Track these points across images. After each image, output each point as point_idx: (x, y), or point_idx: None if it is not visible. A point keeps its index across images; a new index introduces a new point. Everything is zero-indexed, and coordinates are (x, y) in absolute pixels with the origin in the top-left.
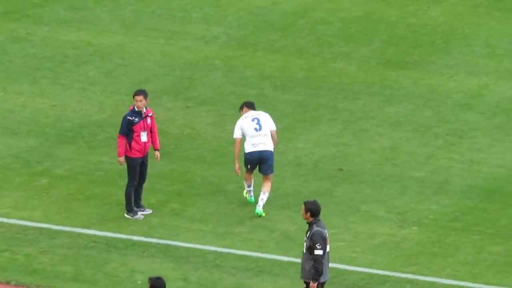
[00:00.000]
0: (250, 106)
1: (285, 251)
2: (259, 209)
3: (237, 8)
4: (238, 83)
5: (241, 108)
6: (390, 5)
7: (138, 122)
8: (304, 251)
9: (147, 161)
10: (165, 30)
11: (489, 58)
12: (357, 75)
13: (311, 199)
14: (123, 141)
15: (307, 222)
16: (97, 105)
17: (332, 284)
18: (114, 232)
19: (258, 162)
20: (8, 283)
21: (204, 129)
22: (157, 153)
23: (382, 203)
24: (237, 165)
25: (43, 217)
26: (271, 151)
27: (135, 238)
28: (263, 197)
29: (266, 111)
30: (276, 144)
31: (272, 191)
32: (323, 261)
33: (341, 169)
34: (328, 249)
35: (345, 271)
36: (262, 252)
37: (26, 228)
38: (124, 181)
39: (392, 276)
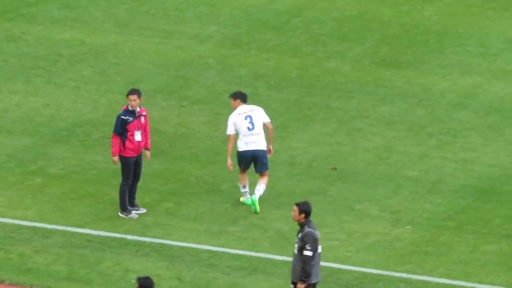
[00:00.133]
0: (244, 99)
1: (279, 250)
2: (254, 197)
3: (231, 7)
4: (232, 82)
5: (234, 98)
6: (384, 4)
7: (132, 121)
8: (296, 252)
9: (141, 160)
10: (159, 29)
11: (482, 57)
12: (351, 74)
13: (302, 201)
14: (117, 140)
15: (299, 224)
16: (91, 104)
17: (326, 283)
18: (108, 231)
19: (251, 161)
20: (1, 282)
21: (198, 128)
22: (147, 152)
23: (376, 202)
24: (229, 161)
25: (37, 216)
26: (264, 150)
27: (129, 237)
28: (259, 188)
29: None
30: (273, 135)
31: (266, 190)
32: (312, 262)
33: (335, 168)
34: (319, 250)
35: (339, 270)
36: (256, 251)
37: (20, 227)
38: (118, 180)
39: (386, 275)
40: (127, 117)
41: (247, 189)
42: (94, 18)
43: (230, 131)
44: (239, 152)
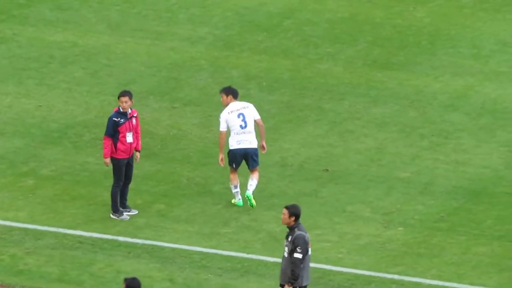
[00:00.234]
0: (235, 95)
1: (271, 252)
2: (248, 193)
3: (223, 9)
4: (224, 83)
5: (226, 94)
6: (376, 6)
7: (123, 123)
8: (286, 256)
9: (132, 161)
10: (151, 31)
11: (474, 59)
12: (343, 76)
13: (292, 204)
14: (109, 142)
15: (288, 227)
16: (83, 105)
17: (317, 285)
18: (100, 232)
19: (243, 159)
20: None
21: (190, 129)
22: (137, 154)
23: (368, 203)
24: (221, 156)
25: (29, 218)
26: (256, 148)
27: (121, 238)
28: (252, 183)
29: None
30: (264, 131)
31: (258, 191)
32: (302, 265)
33: (327, 170)
34: (309, 252)
35: (331, 271)
36: (248, 253)
37: (12, 228)
38: (110, 181)
39: (378, 277)
40: (119, 119)
41: (238, 189)
42: (86, 20)
43: (223, 127)
44: (231, 150)
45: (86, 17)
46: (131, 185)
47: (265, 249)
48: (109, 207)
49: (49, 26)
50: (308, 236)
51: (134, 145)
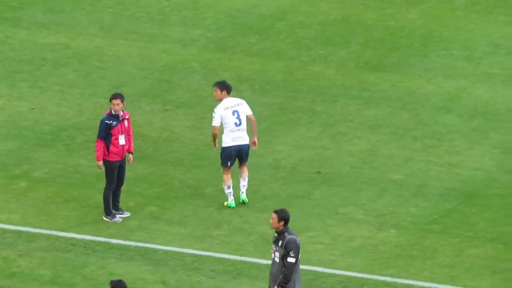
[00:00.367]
0: (230, 91)
1: (263, 254)
2: (243, 196)
3: (215, 11)
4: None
5: (220, 89)
6: (368, 8)
7: (116, 125)
8: (278, 261)
9: (125, 164)
10: (143, 33)
11: (466, 61)
12: (335, 78)
13: (280, 208)
14: (101, 145)
15: (277, 231)
16: (75, 108)
17: (310, 287)
18: (93, 235)
19: (237, 156)
20: None
21: (183, 132)
22: (130, 156)
23: (360, 206)
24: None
25: (21, 220)
26: (249, 144)
27: (114, 241)
28: (244, 183)
29: None
30: (256, 127)
31: (250, 194)
32: (294, 268)
33: (319, 172)
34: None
35: (323, 273)
36: (240, 255)
37: (4, 231)
38: (102, 184)
39: (370, 279)
40: (111, 121)
41: (231, 189)
42: (79, 22)
43: (217, 122)
44: (225, 147)
45: (79, 19)
46: (123, 188)
47: (258, 251)
48: (102, 210)
49: (42, 29)
50: (299, 239)
51: (127, 147)
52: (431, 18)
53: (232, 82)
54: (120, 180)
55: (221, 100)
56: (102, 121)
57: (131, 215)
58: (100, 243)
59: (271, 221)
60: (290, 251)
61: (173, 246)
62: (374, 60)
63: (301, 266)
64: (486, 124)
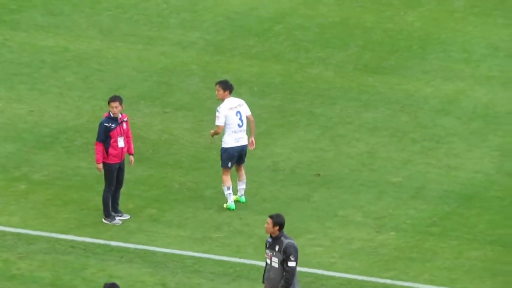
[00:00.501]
0: (231, 91)
1: (263, 256)
2: (243, 198)
3: (214, 14)
4: (215, 88)
5: (223, 88)
6: (367, 10)
7: (114, 128)
8: (276, 266)
9: (124, 166)
10: (142, 36)
11: (465, 63)
12: (334, 80)
13: (276, 213)
14: (100, 148)
15: (272, 236)
16: (74, 110)
17: None
18: (92, 237)
19: (238, 156)
20: None
21: (182, 134)
22: (131, 157)
23: (360, 208)
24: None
25: (21, 223)
26: (247, 144)
27: (113, 243)
28: (243, 186)
29: None
30: (254, 127)
31: (249, 196)
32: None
33: (318, 175)
34: None
35: (323, 276)
36: (240, 257)
37: (4, 233)
38: (101, 186)
39: (370, 281)
40: (110, 124)
41: (230, 190)
42: (78, 25)
43: (222, 122)
44: (228, 148)
45: (78, 22)
46: (123, 190)
47: (257, 253)
48: (101, 212)
49: (41, 31)
50: (296, 243)
51: (126, 149)
52: (429, 20)
53: None
54: (119, 182)
55: (222, 99)
56: (101, 124)
57: (130, 217)
58: (99, 245)
59: (266, 225)
60: (290, 255)
61: (173, 249)
62: (373, 63)
63: (300, 269)
64: (485, 127)
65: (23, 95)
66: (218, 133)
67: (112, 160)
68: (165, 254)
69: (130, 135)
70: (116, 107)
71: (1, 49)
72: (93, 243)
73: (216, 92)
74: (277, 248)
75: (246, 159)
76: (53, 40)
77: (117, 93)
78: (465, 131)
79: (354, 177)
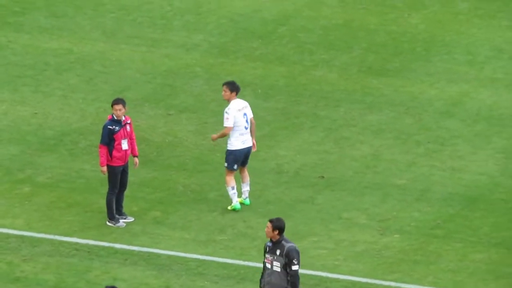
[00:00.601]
0: (238, 92)
1: None
2: (247, 200)
3: (218, 16)
4: (219, 90)
5: (231, 90)
6: (370, 12)
7: (118, 130)
8: (279, 270)
9: (127, 168)
10: (146, 38)
11: (469, 65)
12: (338, 82)
13: (276, 217)
14: (104, 150)
15: (272, 240)
16: (78, 112)
17: None
18: (96, 240)
19: (244, 158)
20: None
21: (186, 136)
22: (136, 159)
23: (364, 210)
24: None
25: (25, 225)
26: (252, 146)
27: (117, 246)
28: (247, 188)
29: None
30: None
31: (253, 198)
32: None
33: (323, 177)
34: None
35: (327, 278)
36: (244, 260)
37: (8, 236)
38: (105, 188)
39: (374, 284)
40: (114, 126)
41: (235, 190)
42: (81, 27)
43: (231, 123)
44: (235, 150)
45: (81, 24)
46: (126, 192)
47: (261, 256)
48: (105, 214)
49: (44, 34)
50: (297, 246)
51: (129, 152)
52: (433, 22)
53: None
54: (123, 184)
55: (229, 100)
56: (105, 127)
57: (134, 220)
58: (103, 248)
59: (266, 229)
60: (293, 259)
61: (177, 251)
62: (377, 65)
63: (305, 271)
64: (489, 129)
65: (27, 97)
66: (226, 134)
67: (116, 163)
68: (169, 256)
69: (134, 137)
70: (119, 109)
71: (5, 51)
72: (97, 246)
73: (223, 92)
74: (278, 252)
75: (250, 161)
76: (57, 42)
77: (121, 96)
78: (469, 133)
79: (358, 179)
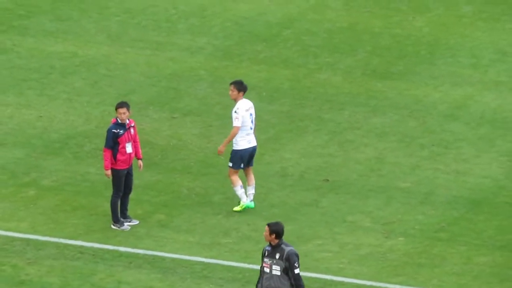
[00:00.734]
0: (245, 92)
1: None
2: (252, 203)
3: (222, 19)
4: (223, 93)
5: (238, 89)
6: (375, 16)
7: (123, 134)
8: (279, 274)
9: (132, 171)
10: (151, 41)
11: (473, 68)
12: (342, 85)
13: (274, 221)
14: (109, 154)
15: (271, 244)
16: (83, 116)
17: None
18: (101, 243)
19: (249, 157)
20: None
21: (190, 140)
22: (140, 162)
23: (368, 213)
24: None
25: (30, 228)
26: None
27: (122, 249)
28: (252, 191)
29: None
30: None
31: (258, 201)
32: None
33: (327, 180)
34: None
35: (332, 281)
36: (249, 263)
37: (13, 239)
38: (110, 192)
39: (379, 287)
40: (118, 130)
41: (243, 188)
42: (86, 31)
43: (239, 123)
44: (242, 150)
45: (86, 27)
46: (131, 195)
47: None
48: (110, 217)
49: (49, 37)
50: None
51: (133, 155)
52: (438, 26)
53: None
54: (128, 187)
55: (236, 100)
56: (109, 130)
57: (139, 223)
58: (108, 251)
59: (264, 233)
60: (294, 262)
61: (182, 254)
62: (381, 68)
63: (309, 274)
64: (493, 132)
65: (32, 100)
66: (235, 134)
67: (120, 166)
68: (173, 259)
69: (138, 140)
70: (123, 113)
71: (10, 54)
72: (101, 249)
73: (230, 92)
74: (277, 256)
75: (254, 164)
76: (62, 46)
77: (125, 99)
78: (473, 137)
79: (362, 182)
